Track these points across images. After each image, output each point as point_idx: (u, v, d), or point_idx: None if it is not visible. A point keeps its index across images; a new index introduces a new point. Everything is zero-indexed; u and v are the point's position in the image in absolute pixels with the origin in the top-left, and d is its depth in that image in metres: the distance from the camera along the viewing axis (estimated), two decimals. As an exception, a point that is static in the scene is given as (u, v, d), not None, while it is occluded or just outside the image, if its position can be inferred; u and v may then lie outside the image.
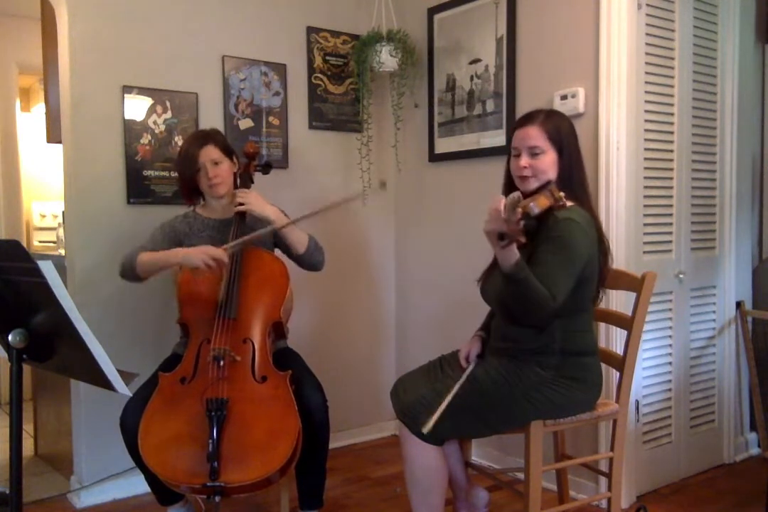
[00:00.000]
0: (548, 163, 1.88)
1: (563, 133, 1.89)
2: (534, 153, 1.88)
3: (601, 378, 1.98)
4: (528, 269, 1.70)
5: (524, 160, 1.88)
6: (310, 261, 2.35)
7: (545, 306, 1.72)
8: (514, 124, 1.99)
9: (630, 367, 2.04)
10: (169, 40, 2.78)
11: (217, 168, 2.31)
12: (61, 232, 3.39)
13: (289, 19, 3.09)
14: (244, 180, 2.45)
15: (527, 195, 1.86)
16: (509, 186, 1.99)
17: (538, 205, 1.62)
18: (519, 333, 1.91)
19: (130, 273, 2.28)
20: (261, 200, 2.30)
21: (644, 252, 2.61)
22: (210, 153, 2.30)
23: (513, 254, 1.66)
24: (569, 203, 1.81)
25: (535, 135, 1.87)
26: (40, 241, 4.75)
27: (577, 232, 1.80)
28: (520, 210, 1.55)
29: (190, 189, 2.38)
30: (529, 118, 1.93)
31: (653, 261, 2.61)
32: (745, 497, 2.62)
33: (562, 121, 1.93)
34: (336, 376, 3.05)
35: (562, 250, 1.77)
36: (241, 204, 2.28)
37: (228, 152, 2.37)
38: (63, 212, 2.85)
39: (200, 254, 2.11)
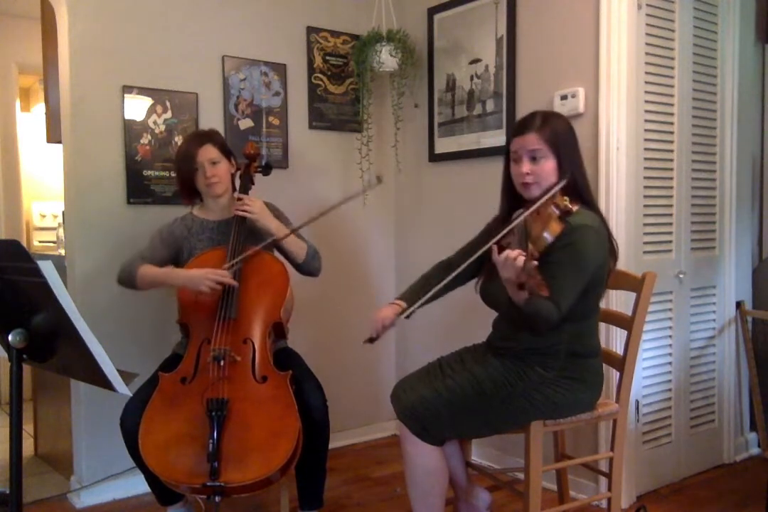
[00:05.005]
0: (550, 168, 1.83)
1: (561, 136, 1.84)
2: (534, 157, 1.83)
3: (602, 378, 1.98)
4: (537, 299, 1.66)
5: (526, 166, 1.84)
6: (308, 269, 2.38)
7: (551, 320, 1.73)
8: (512, 131, 1.92)
9: (630, 367, 2.04)
10: (169, 40, 2.78)
11: (214, 168, 2.31)
12: (61, 232, 3.38)
13: (289, 19, 3.09)
14: (244, 181, 2.45)
15: (529, 202, 1.84)
16: (509, 191, 1.95)
17: (551, 234, 1.66)
18: (524, 334, 1.90)
19: (128, 282, 2.31)
20: (266, 211, 2.31)
21: (644, 252, 2.61)
22: (208, 152, 2.31)
23: (524, 294, 1.66)
24: (575, 207, 1.77)
25: (534, 141, 1.82)
26: (40, 241, 4.75)
27: (591, 239, 1.78)
28: (534, 252, 1.59)
29: (188, 188, 2.38)
30: (525, 125, 1.86)
31: (653, 261, 2.61)
32: (745, 497, 2.62)
33: (559, 123, 1.88)
34: (336, 376, 3.05)
35: (575, 259, 1.75)
36: (246, 211, 2.28)
37: (226, 152, 2.38)
38: (63, 212, 2.85)
39: (204, 279, 2.12)
